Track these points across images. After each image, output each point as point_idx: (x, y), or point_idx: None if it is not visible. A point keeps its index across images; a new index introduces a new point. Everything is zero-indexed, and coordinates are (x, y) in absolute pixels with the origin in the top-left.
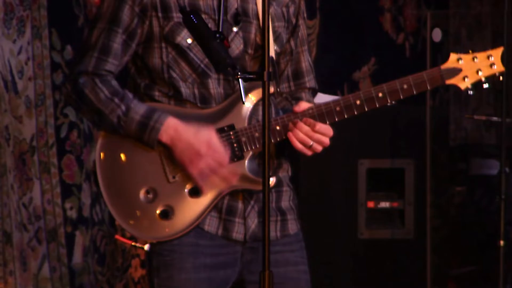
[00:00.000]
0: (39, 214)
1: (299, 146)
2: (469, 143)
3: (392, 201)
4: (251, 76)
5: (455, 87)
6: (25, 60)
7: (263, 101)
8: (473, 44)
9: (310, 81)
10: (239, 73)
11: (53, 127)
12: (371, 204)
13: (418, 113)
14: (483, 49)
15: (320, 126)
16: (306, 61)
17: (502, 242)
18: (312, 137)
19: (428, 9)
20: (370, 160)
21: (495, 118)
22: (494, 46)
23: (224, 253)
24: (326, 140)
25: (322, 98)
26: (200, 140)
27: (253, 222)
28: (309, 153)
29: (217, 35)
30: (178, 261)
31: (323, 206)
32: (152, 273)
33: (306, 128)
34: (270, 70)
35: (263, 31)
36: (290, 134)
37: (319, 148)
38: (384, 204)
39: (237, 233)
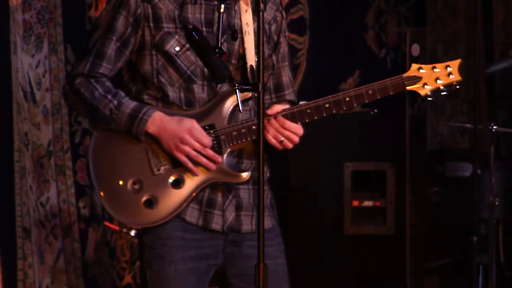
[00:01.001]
0: (55, 212)
1: (272, 141)
2: (444, 147)
3: (374, 200)
4: (247, 87)
5: (423, 99)
6: (43, 72)
7: (258, 110)
8: (449, 58)
9: (289, 94)
10: (236, 85)
11: (68, 133)
12: (355, 203)
13: (398, 120)
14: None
15: (289, 124)
16: (286, 76)
17: (475, 238)
18: (283, 133)
19: (408, 26)
20: (355, 163)
21: (468, 125)
22: (467, 60)
23: (207, 246)
24: (295, 138)
25: None
26: (182, 128)
27: (230, 214)
28: (280, 147)
29: (217, 50)
30: (168, 254)
31: (312, 205)
32: (144, 265)
33: (276, 125)
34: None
35: (257, 47)
36: (264, 131)
37: (289, 144)
38: (368, 203)
39: (216, 224)
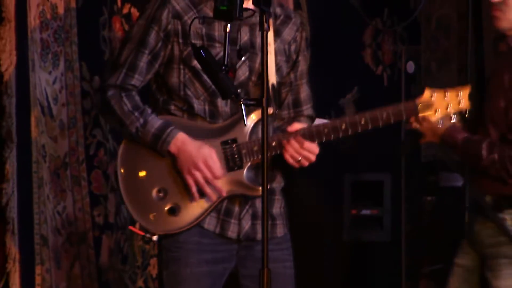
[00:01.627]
0: (71, 221)
1: (289, 160)
2: (438, 159)
3: (372, 209)
4: (252, 102)
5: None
6: (59, 88)
7: (262, 122)
8: (441, 75)
9: (307, 109)
10: (241, 100)
11: (83, 146)
12: (354, 211)
13: (395, 134)
14: (450, 82)
15: (307, 144)
16: (304, 92)
17: None
18: (301, 153)
19: (403, 45)
20: (354, 174)
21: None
22: (459, 77)
23: (222, 250)
24: (312, 157)
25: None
26: (199, 155)
27: (247, 223)
28: (297, 165)
29: (223, 67)
30: (184, 257)
31: (315, 212)
32: (161, 266)
33: (296, 145)
34: (270, 94)
35: (262, 64)
36: (283, 150)
37: (306, 163)
38: (366, 212)
39: (232, 232)
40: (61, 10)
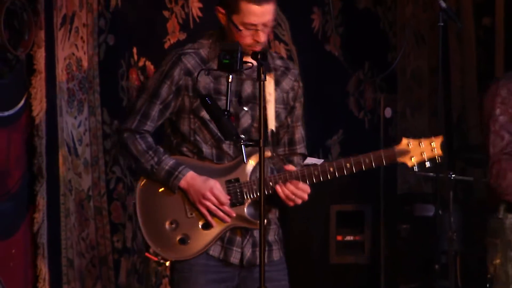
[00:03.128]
0: (94, 245)
1: (285, 200)
2: (412, 192)
3: (355, 235)
4: (251, 143)
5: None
6: (83, 131)
7: (260, 160)
8: (415, 120)
9: (300, 148)
10: (242, 141)
11: (104, 181)
12: (339, 237)
13: (374, 169)
14: (422, 126)
15: (302, 185)
16: (299, 134)
17: (437, 266)
18: (296, 193)
19: (382, 93)
20: (339, 205)
21: (431, 174)
22: (430, 121)
23: (226, 271)
24: (305, 196)
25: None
26: (206, 186)
27: (248, 251)
28: (292, 204)
29: (226, 112)
30: (193, 277)
31: (305, 239)
32: (173, 285)
33: (291, 187)
34: (269, 139)
35: (259, 110)
36: (278, 189)
37: (299, 201)
38: (349, 238)
39: (234, 258)
40: (85, 63)
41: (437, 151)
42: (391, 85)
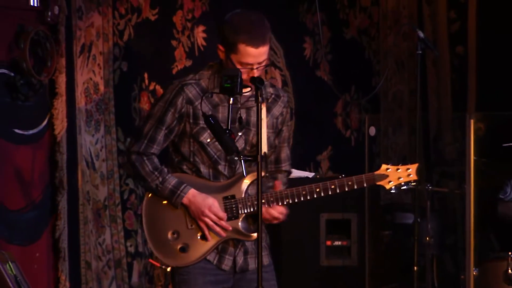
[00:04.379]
0: (109, 250)
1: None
2: (393, 202)
3: (343, 240)
4: (249, 158)
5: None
6: (100, 148)
7: (257, 173)
8: (396, 137)
9: (285, 166)
10: (241, 156)
11: (119, 192)
12: (329, 243)
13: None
14: (402, 143)
15: (278, 208)
16: (284, 153)
17: (415, 268)
18: (272, 215)
19: (366, 113)
20: (328, 213)
21: (411, 185)
22: (410, 139)
23: (221, 274)
24: (280, 217)
25: (297, 173)
26: (205, 204)
27: (240, 259)
28: (267, 222)
29: (227, 131)
30: (192, 279)
31: (298, 244)
32: (174, 286)
33: (269, 209)
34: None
35: (257, 131)
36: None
37: (274, 221)
38: (337, 243)
39: (226, 265)
40: (101, 87)
41: (413, 177)
42: (375, 106)
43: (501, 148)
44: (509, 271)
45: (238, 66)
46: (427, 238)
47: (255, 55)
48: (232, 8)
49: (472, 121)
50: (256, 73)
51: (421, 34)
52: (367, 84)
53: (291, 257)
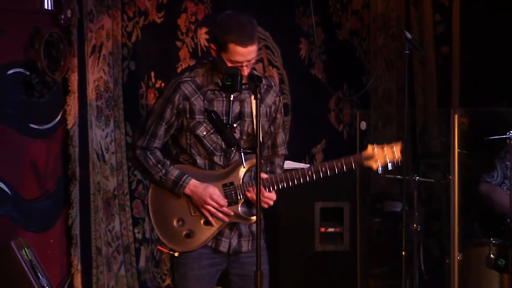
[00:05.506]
0: (118, 236)
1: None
2: (383, 191)
3: (336, 227)
4: (249, 151)
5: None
6: (110, 141)
7: (256, 164)
8: (385, 131)
9: (282, 150)
10: (241, 149)
11: (127, 183)
12: (323, 229)
13: (351, 173)
14: (391, 136)
15: (267, 194)
16: (280, 138)
17: (404, 253)
18: (262, 200)
19: (358, 109)
20: (322, 202)
21: (399, 176)
22: (398, 133)
23: (216, 257)
24: (270, 202)
25: (293, 164)
26: (206, 193)
27: (234, 241)
28: (265, 206)
29: (228, 125)
30: (189, 263)
31: (294, 230)
32: (173, 269)
33: (265, 199)
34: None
35: (256, 125)
36: (248, 195)
37: (265, 206)
38: (331, 229)
39: (223, 247)
40: (111, 85)
41: (398, 155)
42: (365, 103)
43: (483, 141)
44: (491, 255)
45: (229, 64)
46: (415, 225)
47: (244, 54)
48: None
49: (456, 116)
50: (245, 70)
51: (409, 35)
52: (358, 82)
53: (287, 243)
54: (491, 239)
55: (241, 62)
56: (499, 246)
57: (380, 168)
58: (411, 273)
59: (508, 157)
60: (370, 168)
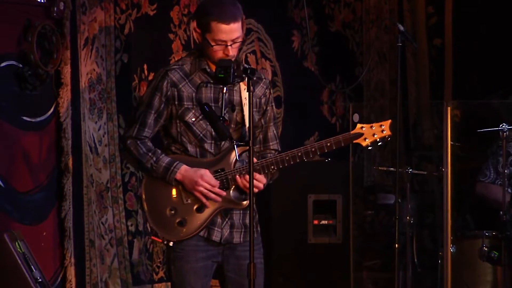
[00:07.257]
0: (112, 229)
1: (243, 187)
2: (376, 184)
3: (329, 219)
4: (242, 143)
5: (365, 148)
6: (103, 134)
7: (249, 157)
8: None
9: (273, 144)
10: (234, 142)
11: (120, 175)
12: (316, 222)
13: (344, 165)
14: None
15: (258, 177)
16: (271, 132)
17: (397, 245)
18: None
19: (350, 102)
20: (315, 194)
21: (392, 169)
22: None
23: (211, 249)
24: (260, 186)
25: None
26: (197, 175)
27: (226, 231)
28: (247, 191)
29: (221, 118)
30: (185, 255)
31: (287, 223)
32: (169, 262)
33: (247, 177)
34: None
35: (249, 115)
36: (237, 179)
37: (254, 190)
38: (324, 222)
39: (216, 237)
40: (104, 78)
41: (387, 132)
42: (358, 95)
43: (475, 133)
44: (484, 248)
45: (213, 44)
46: (407, 217)
47: (227, 32)
48: None
49: (449, 108)
50: (231, 51)
51: (401, 28)
52: (351, 74)
53: (281, 235)
54: (484, 231)
55: (225, 41)
56: (492, 238)
57: (369, 144)
58: (404, 265)
59: (500, 152)
60: (359, 145)
